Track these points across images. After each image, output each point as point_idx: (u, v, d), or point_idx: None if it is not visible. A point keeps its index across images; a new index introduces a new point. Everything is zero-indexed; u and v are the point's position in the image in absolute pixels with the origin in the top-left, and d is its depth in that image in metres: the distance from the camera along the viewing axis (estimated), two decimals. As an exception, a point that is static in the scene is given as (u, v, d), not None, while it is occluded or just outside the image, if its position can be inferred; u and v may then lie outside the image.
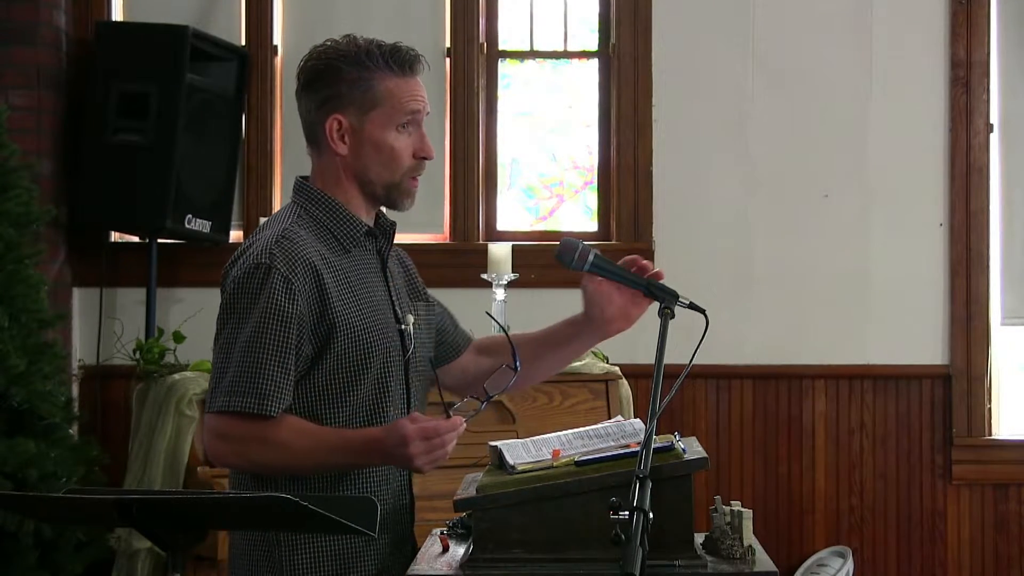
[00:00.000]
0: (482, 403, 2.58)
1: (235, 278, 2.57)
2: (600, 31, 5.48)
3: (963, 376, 5.26)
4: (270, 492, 2.53)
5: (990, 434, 5.28)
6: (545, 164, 5.57)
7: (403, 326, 2.68)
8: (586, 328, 2.77)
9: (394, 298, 2.71)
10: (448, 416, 2.51)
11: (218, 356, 2.57)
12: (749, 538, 2.52)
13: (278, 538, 2.58)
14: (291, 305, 2.53)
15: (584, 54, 5.53)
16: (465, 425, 2.50)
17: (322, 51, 2.67)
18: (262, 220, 4.83)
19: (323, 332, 2.56)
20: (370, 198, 2.69)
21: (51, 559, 4.28)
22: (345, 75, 2.63)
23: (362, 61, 2.63)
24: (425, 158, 2.68)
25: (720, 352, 5.00)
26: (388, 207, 2.72)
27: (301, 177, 2.73)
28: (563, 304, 4.57)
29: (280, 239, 2.57)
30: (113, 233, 5.31)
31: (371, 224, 2.71)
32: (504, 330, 2.75)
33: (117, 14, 5.36)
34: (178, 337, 4.70)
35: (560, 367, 2.90)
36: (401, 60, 2.65)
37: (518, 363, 2.62)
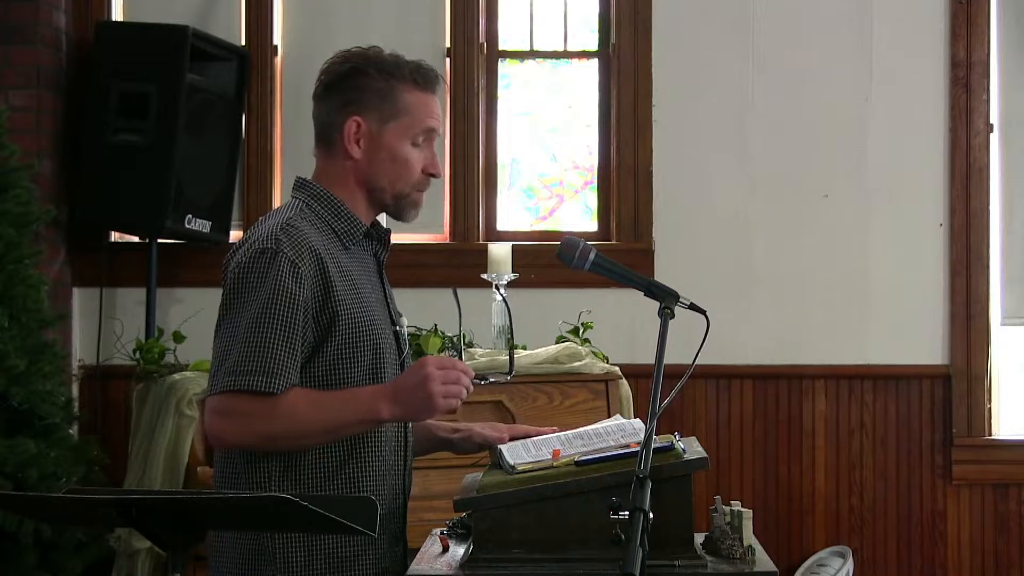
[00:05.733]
0: (480, 381, 2.65)
1: (239, 264, 2.57)
2: (600, 31, 5.48)
3: (963, 376, 5.26)
4: (263, 483, 2.55)
5: (990, 434, 5.28)
6: (545, 164, 5.57)
7: (398, 328, 2.72)
8: (448, 447, 2.90)
9: (389, 301, 2.74)
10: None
11: (221, 341, 2.55)
12: (749, 538, 2.52)
13: (272, 532, 2.56)
14: (298, 288, 2.53)
15: (584, 54, 5.53)
16: (473, 375, 2.56)
17: (349, 55, 2.68)
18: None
19: (325, 320, 2.57)
20: (376, 205, 2.71)
21: (51, 559, 4.29)
22: (372, 81, 2.65)
23: (389, 70, 2.65)
24: (433, 175, 2.72)
25: (720, 352, 4.99)
26: (394, 216, 2.74)
27: (301, 177, 2.73)
28: (563, 304, 4.62)
29: (285, 227, 2.58)
30: (113, 233, 5.31)
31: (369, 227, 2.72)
32: (459, 310, 2.82)
33: (117, 14, 5.36)
34: (178, 337, 4.70)
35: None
36: (425, 76, 2.69)
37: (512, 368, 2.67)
